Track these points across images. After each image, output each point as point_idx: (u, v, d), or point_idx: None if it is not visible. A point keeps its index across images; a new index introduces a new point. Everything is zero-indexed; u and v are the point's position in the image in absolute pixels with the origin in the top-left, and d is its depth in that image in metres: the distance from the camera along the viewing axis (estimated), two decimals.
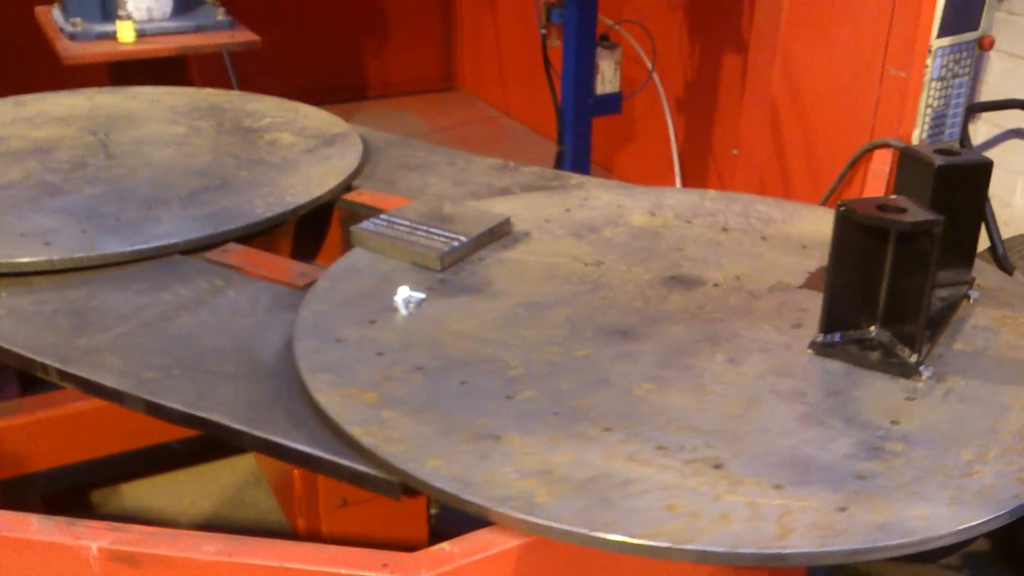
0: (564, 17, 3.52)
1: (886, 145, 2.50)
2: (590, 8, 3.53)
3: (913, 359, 1.49)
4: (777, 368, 1.50)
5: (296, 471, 2.16)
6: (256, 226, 1.98)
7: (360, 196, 2.17)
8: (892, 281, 1.51)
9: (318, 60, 6.02)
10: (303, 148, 2.36)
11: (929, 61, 2.47)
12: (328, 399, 1.41)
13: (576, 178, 2.29)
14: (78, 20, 3.40)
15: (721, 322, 1.63)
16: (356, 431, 1.35)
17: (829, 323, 1.55)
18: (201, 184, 2.14)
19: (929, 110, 2.53)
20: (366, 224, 1.90)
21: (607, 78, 3.58)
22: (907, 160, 1.70)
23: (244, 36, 3.49)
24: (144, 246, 1.87)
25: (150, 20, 3.46)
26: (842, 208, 1.48)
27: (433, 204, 1.99)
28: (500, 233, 1.91)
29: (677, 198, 2.12)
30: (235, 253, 1.90)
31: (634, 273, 1.79)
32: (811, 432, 1.35)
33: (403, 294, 1.67)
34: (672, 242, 1.92)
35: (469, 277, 1.78)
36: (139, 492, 2.65)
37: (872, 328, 1.55)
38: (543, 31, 3.60)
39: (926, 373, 1.48)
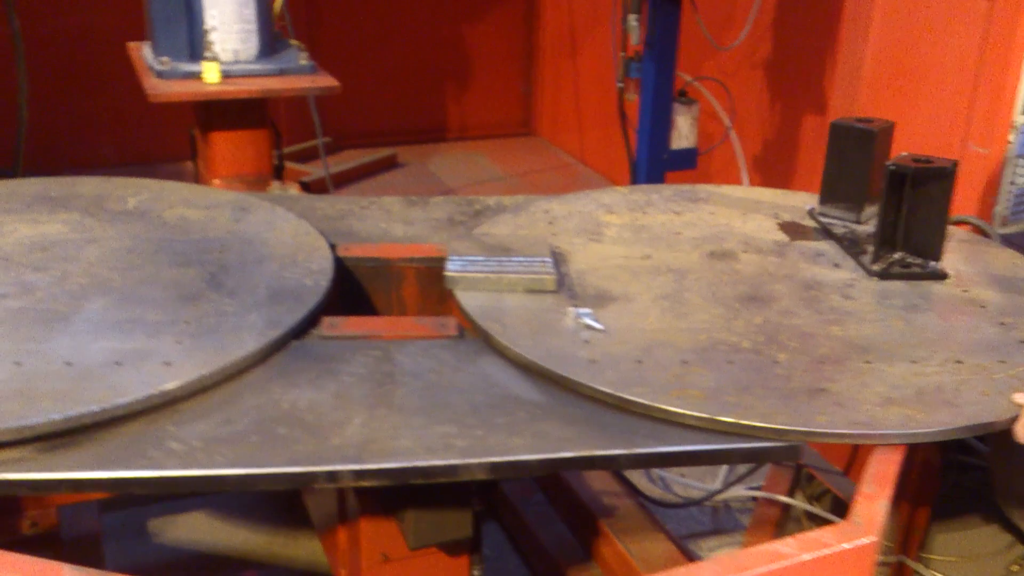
0: (642, 72, 3.51)
1: (965, 223, 2.42)
2: (668, 64, 3.53)
3: (940, 267, 2.06)
4: (878, 293, 1.98)
5: (340, 524, 2.11)
6: (328, 297, 1.91)
7: (350, 250, 2.14)
8: (909, 213, 2.06)
9: (398, 102, 5.93)
10: (230, 218, 2.22)
11: (1012, 138, 2.43)
12: (677, 406, 1.57)
13: (492, 199, 2.47)
14: (167, 59, 3.44)
15: (794, 275, 2.05)
16: (731, 418, 1.54)
17: (878, 254, 2.06)
18: (203, 272, 1.95)
19: (1012, 187, 2.49)
20: (452, 268, 1.96)
21: (683, 133, 3.57)
22: (841, 133, 2.26)
23: (325, 81, 3.45)
24: (269, 341, 1.72)
25: (236, 62, 3.49)
26: (892, 167, 2.00)
27: (472, 238, 2.09)
28: (551, 251, 2.09)
29: (608, 197, 2.45)
30: (346, 324, 1.83)
31: (682, 258, 2.12)
32: (961, 323, 1.86)
33: (585, 313, 1.82)
34: (665, 229, 2.27)
35: (582, 290, 1.96)
36: (195, 523, 2.59)
37: (895, 253, 2.09)
38: (620, 84, 3.55)
39: (951, 273, 2.07)
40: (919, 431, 1.54)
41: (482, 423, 1.57)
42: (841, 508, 2.22)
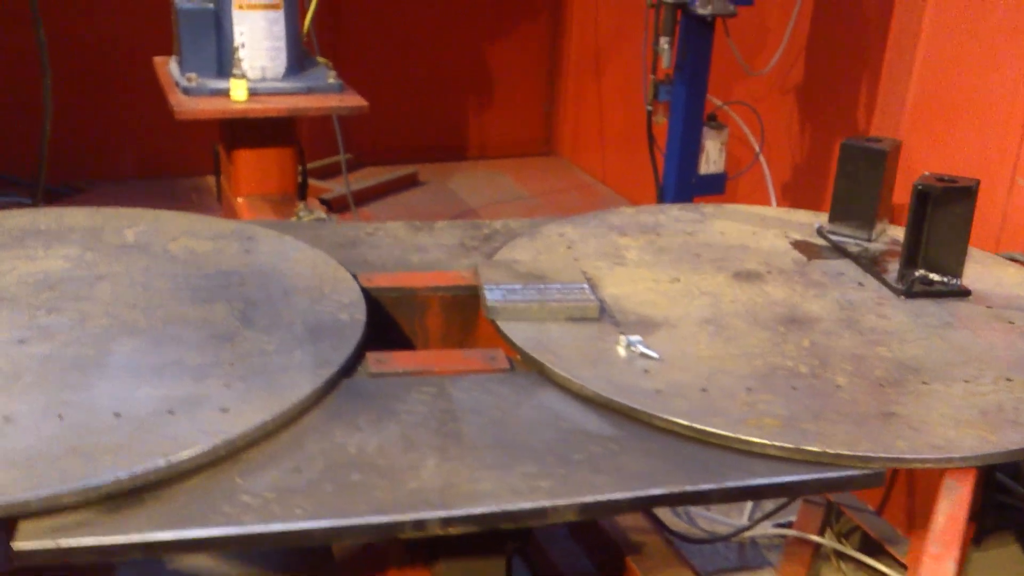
0: (672, 95, 3.44)
1: (1013, 260, 2.34)
2: (699, 88, 3.44)
3: (962, 284, 2.10)
4: (913, 312, 2.00)
5: (369, 572, 2.02)
6: (367, 331, 1.84)
7: (373, 281, 2.07)
8: (932, 231, 2.09)
9: (420, 119, 5.92)
10: (239, 249, 2.12)
11: None
12: (758, 436, 1.55)
13: (499, 222, 2.43)
14: (193, 75, 3.38)
15: (823, 295, 2.06)
16: (817, 447, 1.53)
17: (903, 272, 2.08)
18: (231, 308, 1.86)
19: None
20: (493, 298, 1.90)
21: (712, 158, 3.48)
22: (851, 152, 2.28)
23: (353, 101, 3.38)
24: (323, 381, 1.65)
25: (263, 80, 3.45)
26: (920, 186, 2.02)
27: (500, 265, 2.04)
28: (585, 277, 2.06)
29: (616, 219, 2.42)
30: (394, 359, 1.77)
31: (709, 281, 2.11)
32: (998, 340, 1.89)
33: (636, 341, 1.79)
34: (685, 250, 2.25)
35: (623, 317, 1.93)
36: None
37: (916, 271, 2.12)
38: (649, 107, 3.48)
39: (972, 289, 2.10)
40: (994, 452, 1.55)
41: (561, 461, 1.53)
42: (871, 545, 2.23)
